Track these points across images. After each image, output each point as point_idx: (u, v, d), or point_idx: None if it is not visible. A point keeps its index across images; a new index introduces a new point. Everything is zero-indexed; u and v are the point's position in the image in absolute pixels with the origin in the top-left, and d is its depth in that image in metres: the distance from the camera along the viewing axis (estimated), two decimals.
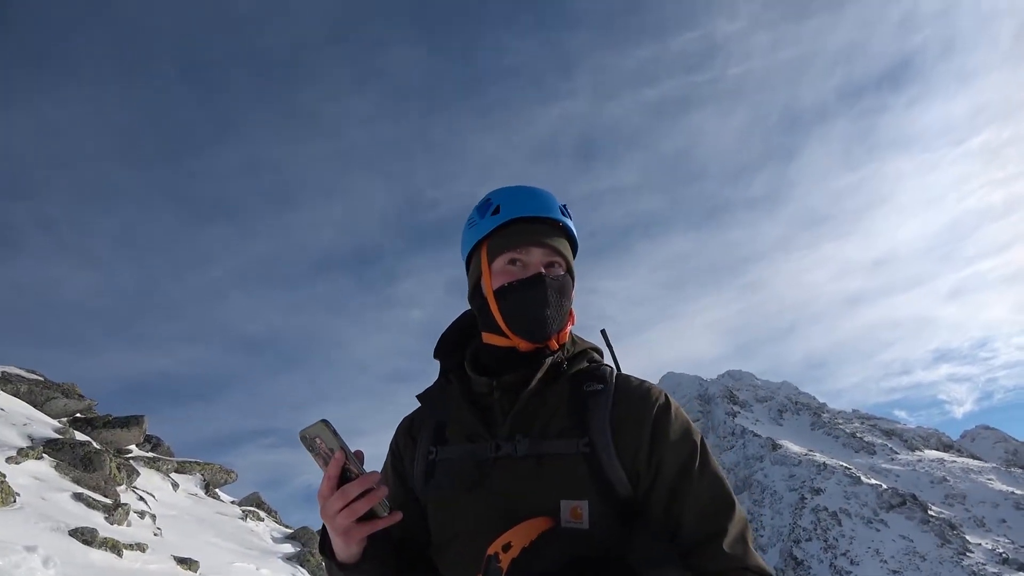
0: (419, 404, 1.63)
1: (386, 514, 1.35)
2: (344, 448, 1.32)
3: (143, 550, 7.33)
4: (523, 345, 1.52)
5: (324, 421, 1.32)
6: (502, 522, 1.34)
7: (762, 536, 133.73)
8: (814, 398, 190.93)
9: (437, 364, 1.65)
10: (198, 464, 14.04)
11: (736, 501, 1.42)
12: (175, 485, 12.02)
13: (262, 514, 13.14)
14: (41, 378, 13.07)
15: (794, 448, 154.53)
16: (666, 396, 1.51)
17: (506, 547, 1.29)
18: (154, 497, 10.40)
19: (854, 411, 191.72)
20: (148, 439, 14.19)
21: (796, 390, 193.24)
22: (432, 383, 1.63)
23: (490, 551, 1.30)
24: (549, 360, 1.49)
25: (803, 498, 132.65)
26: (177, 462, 13.52)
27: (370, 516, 1.35)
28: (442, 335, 1.66)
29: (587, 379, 1.52)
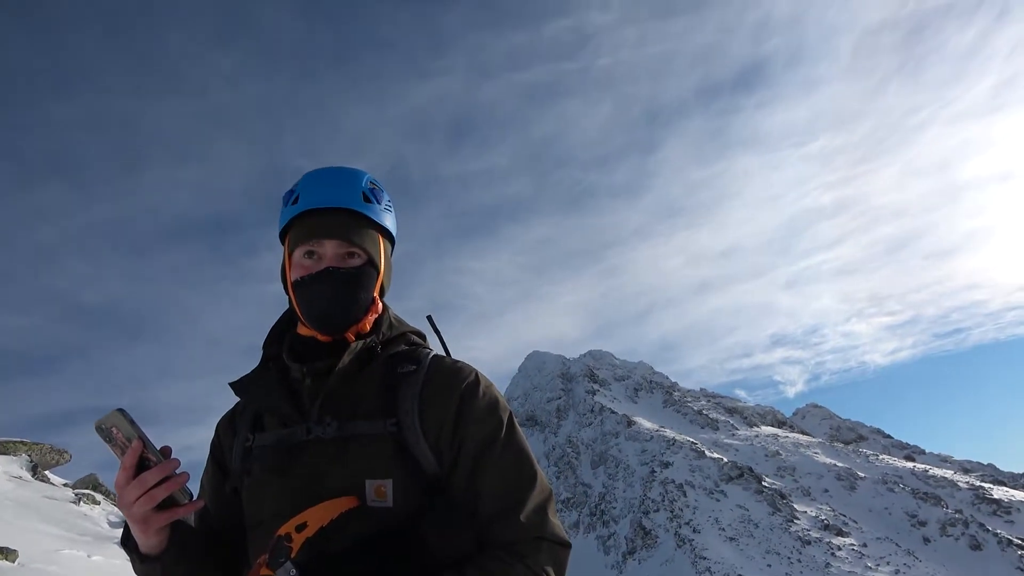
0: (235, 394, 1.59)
1: (187, 501, 1.33)
2: (142, 437, 1.28)
3: None
4: (320, 336, 1.53)
5: (120, 410, 1.28)
6: (306, 504, 1.34)
7: (615, 508, 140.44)
8: (667, 377, 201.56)
9: None
10: (24, 444, 12.84)
11: (539, 473, 1.45)
12: None
13: (98, 497, 12.22)
14: None
15: (647, 424, 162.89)
16: (476, 374, 1.52)
17: (300, 527, 1.29)
18: None
19: (701, 390, 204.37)
20: None
21: (651, 370, 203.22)
22: (249, 371, 1.59)
23: (280, 531, 1.29)
24: (359, 344, 1.49)
25: (653, 471, 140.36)
26: None
27: (171, 505, 1.32)
28: (273, 324, 1.64)
29: (401, 361, 1.52)
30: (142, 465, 1.29)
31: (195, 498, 1.37)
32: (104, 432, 1.30)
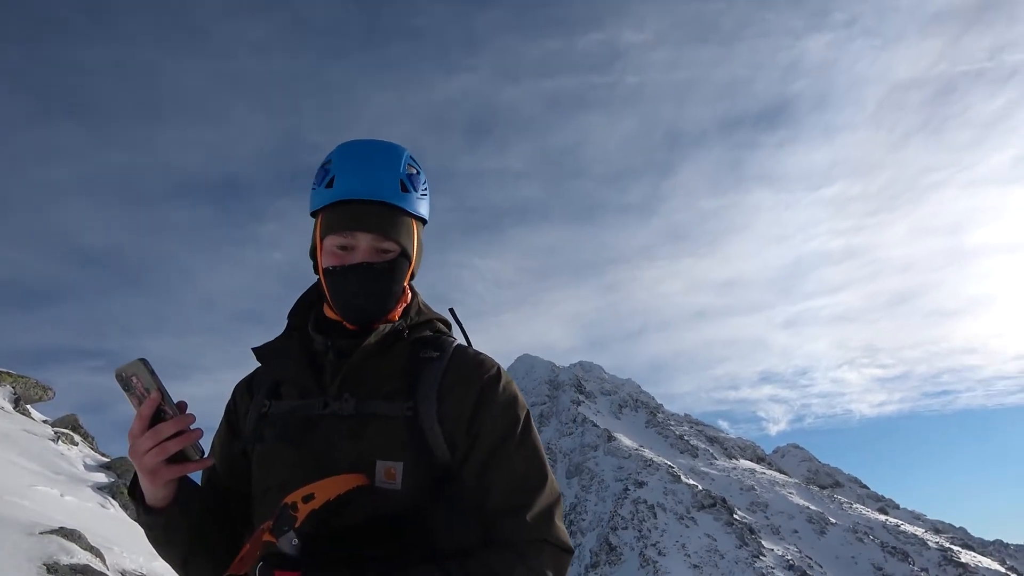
0: (257, 360, 1.59)
1: (198, 458, 1.34)
2: (161, 389, 1.28)
3: None
4: (349, 325, 1.52)
5: (142, 360, 1.28)
6: (316, 477, 1.33)
7: (584, 520, 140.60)
8: (653, 398, 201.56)
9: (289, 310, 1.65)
10: (9, 375, 12.70)
11: (549, 475, 1.44)
12: None
13: (77, 438, 12.11)
14: None
15: (627, 442, 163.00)
16: (498, 369, 1.52)
17: (307, 498, 1.29)
18: None
19: (685, 415, 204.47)
20: None
21: (638, 388, 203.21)
22: (272, 339, 1.60)
23: (288, 500, 1.29)
24: (387, 327, 1.48)
25: (627, 489, 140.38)
26: None
27: (182, 460, 1.32)
28: (300, 296, 1.64)
29: (425, 347, 1.52)
30: (157, 417, 1.29)
31: (206, 456, 1.37)
32: (124, 380, 1.30)
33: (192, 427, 1.31)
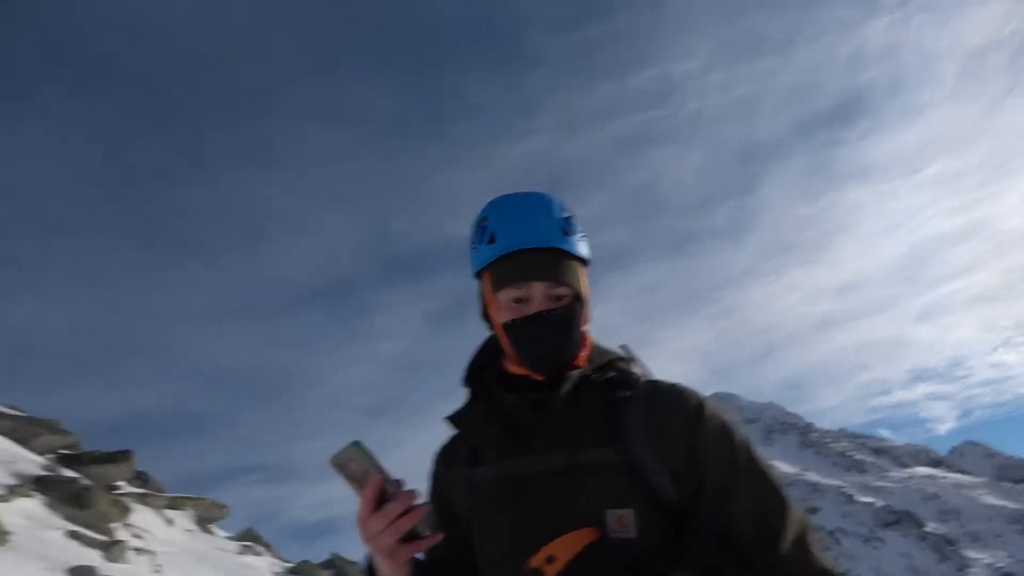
0: (451, 428, 1.58)
1: (429, 533, 1.32)
2: (380, 469, 1.28)
3: None
4: (537, 376, 1.47)
5: (356, 443, 1.28)
6: (545, 537, 1.31)
7: None
8: (801, 418, 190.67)
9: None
10: (190, 500, 13.44)
11: (787, 499, 1.37)
12: (169, 521, 11.46)
13: (260, 548, 12.56)
14: (23, 414, 12.49)
15: (786, 468, 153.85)
16: (700, 397, 1.47)
17: (550, 559, 1.27)
18: (150, 533, 9.85)
19: (840, 430, 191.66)
20: (138, 475, 13.60)
21: (782, 411, 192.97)
22: (460, 406, 1.57)
23: (532, 563, 1.28)
24: (577, 373, 1.45)
25: None
26: (168, 498, 12.92)
27: (412, 537, 1.31)
28: (469, 360, 1.61)
29: (617, 387, 1.47)
30: (381, 498, 1.28)
31: (433, 531, 1.34)
32: (340, 467, 1.30)
33: (416, 503, 1.29)
